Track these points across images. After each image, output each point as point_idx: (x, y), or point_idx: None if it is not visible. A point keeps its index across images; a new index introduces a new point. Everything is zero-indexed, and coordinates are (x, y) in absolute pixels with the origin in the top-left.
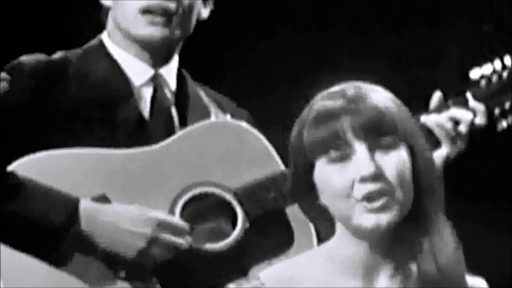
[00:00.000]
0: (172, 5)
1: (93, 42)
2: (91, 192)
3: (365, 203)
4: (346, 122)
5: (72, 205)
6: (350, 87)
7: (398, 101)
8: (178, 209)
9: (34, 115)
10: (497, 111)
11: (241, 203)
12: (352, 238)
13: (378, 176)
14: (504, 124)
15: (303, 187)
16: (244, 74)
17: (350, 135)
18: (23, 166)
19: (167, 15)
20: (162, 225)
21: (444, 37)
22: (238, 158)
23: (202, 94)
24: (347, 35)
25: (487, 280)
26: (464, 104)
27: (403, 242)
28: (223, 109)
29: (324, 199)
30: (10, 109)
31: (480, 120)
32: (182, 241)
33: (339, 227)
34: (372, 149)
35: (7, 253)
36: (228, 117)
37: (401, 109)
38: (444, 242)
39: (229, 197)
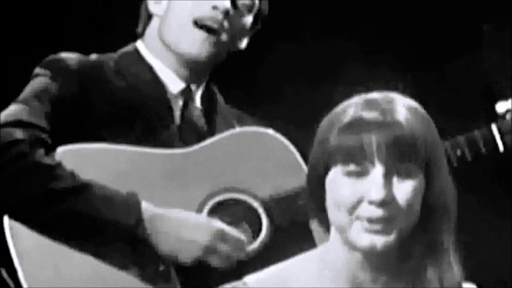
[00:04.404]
0: (226, 24)
1: (128, 48)
2: (121, 188)
3: (365, 223)
4: (373, 138)
5: (136, 208)
6: (386, 101)
7: (429, 121)
8: (205, 213)
9: (78, 109)
10: None
11: (267, 211)
12: (345, 247)
13: (387, 202)
14: None
15: (317, 186)
16: (255, 81)
17: (374, 153)
18: (59, 156)
19: (217, 34)
20: (222, 236)
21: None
22: (267, 167)
23: (226, 110)
24: (359, 42)
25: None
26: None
27: (407, 263)
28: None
29: (328, 204)
30: (57, 101)
31: None
32: (239, 254)
33: (334, 233)
34: (389, 174)
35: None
36: None
37: (430, 132)
38: (452, 272)
39: (256, 205)
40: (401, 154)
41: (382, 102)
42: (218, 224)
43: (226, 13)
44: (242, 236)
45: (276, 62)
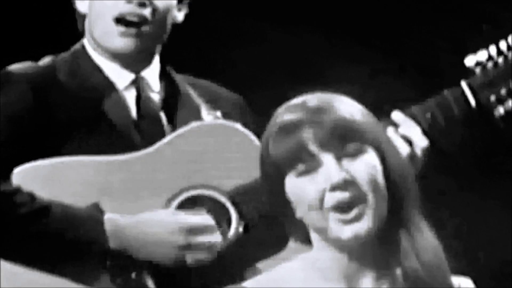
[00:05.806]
0: (146, 12)
1: (77, 46)
2: (85, 200)
3: (338, 215)
4: (308, 134)
5: (99, 223)
6: (312, 98)
7: (364, 109)
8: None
9: (39, 120)
10: (493, 98)
11: (235, 205)
12: (331, 249)
13: (348, 183)
14: (501, 110)
15: (279, 202)
16: (232, 74)
17: (314, 147)
18: (18, 175)
19: (138, 26)
20: (193, 230)
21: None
22: (231, 160)
23: (190, 90)
24: (336, 38)
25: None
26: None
27: (386, 245)
28: (214, 103)
29: (299, 212)
30: (8, 117)
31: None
32: (215, 239)
33: (316, 240)
34: (339, 158)
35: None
36: (219, 113)
37: (365, 115)
38: (425, 240)
39: (223, 199)
40: (342, 136)
41: (308, 102)
42: (184, 219)
43: (141, 4)
44: (210, 221)
45: (244, 58)
